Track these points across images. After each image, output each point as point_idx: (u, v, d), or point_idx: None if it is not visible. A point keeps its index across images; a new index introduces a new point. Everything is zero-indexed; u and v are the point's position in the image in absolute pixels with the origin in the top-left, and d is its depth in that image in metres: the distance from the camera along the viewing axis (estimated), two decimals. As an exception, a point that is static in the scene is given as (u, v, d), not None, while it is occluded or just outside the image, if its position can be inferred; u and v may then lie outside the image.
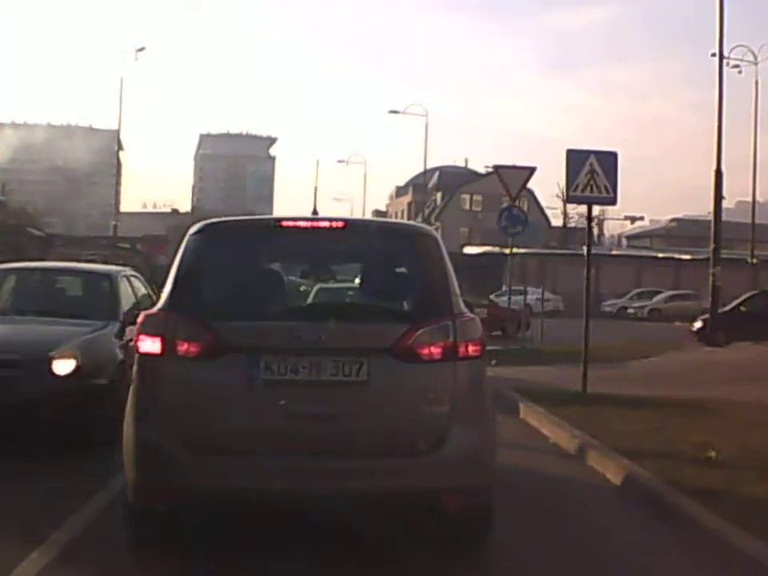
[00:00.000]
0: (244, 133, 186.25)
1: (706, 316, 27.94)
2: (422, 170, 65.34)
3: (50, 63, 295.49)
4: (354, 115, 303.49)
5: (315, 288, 8.34)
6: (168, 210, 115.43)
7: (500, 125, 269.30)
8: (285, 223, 5.50)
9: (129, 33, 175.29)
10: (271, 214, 29.78)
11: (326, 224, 5.50)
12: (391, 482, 4.86)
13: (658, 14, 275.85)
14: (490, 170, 79.73)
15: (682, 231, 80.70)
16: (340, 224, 5.49)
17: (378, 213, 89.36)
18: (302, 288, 8.29)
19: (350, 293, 7.09)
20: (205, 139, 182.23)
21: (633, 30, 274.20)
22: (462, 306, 5.23)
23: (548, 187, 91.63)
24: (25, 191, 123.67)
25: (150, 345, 5.02)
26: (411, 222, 8.14)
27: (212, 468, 4.83)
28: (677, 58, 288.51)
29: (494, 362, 15.96)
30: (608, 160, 11.32)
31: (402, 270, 5.71)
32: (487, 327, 22.41)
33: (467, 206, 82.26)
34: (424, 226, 6.57)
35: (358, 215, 61.73)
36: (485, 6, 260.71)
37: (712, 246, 23.10)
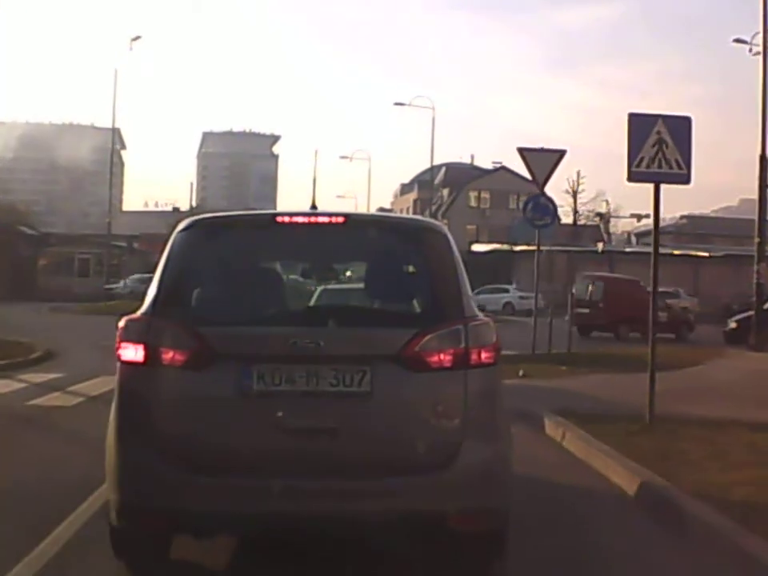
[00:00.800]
0: (247, 131, 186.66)
1: (741, 316, 26.87)
2: (427, 166, 64.16)
3: (52, 61, 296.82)
4: (357, 114, 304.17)
5: (318, 290, 7.46)
6: (170, 208, 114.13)
7: (502, 123, 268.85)
8: (280, 218, 5.08)
9: (131, 31, 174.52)
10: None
11: (326, 219, 5.08)
12: (396, 503, 4.48)
13: (660, 9, 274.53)
14: (497, 165, 79.82)
15: (692, 228, 79.38)
16: (340, 219, 5.06)
17: (382, 210, 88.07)
18: (307, 288, 7.34)
19: (355, 295, 6.48)
20: (208, 137, 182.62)
21: (634, 27, 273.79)
22: (475, 308, 4.86)
23: (555, 183, 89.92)
24: (26, 190, 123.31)
25: (132, 353, 4.67)
26: (418, 217, 7.39)
27: (200, 488, 4.48)
28: (679, 54, 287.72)
29: (521, 372, 14.22)
30: (680, 127, 9.00)
31: (409, 269, 5.38)
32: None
33: (474, 203, 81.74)
34: (432, 221, 6.06)
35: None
36: (486, 4, 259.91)
37: (756, 240, 21.40)
